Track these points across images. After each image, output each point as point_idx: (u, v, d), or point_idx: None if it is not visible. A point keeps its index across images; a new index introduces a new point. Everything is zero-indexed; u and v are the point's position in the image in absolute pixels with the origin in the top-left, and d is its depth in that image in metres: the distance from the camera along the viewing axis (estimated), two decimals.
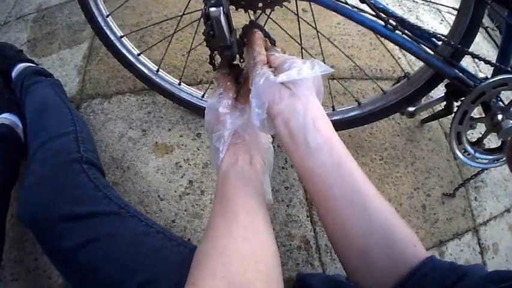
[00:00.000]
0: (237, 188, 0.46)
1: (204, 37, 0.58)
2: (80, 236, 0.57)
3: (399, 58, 1.17)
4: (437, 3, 0.89)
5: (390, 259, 0.39)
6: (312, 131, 0.41)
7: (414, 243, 0.40)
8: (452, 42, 0.67)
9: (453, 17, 1.32)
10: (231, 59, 0.60)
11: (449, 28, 0.69)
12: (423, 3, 1.36)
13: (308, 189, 0.44)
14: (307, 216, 0.90)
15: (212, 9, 0.51)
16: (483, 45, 1.41)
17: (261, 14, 0.70)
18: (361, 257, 0.40)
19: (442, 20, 1.35)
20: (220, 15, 0.51)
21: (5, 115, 1.01)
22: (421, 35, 0.71)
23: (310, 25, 0.83)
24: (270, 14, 0.72)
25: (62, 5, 1.29)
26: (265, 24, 0.80)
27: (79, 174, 0.67)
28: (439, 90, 0.87)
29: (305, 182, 0.44)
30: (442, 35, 0.69)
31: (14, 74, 1.05)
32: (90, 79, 1.08)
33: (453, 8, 0.96)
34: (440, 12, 1.36)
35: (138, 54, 0.93)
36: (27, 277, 0.86)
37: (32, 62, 1.10)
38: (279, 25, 0.84)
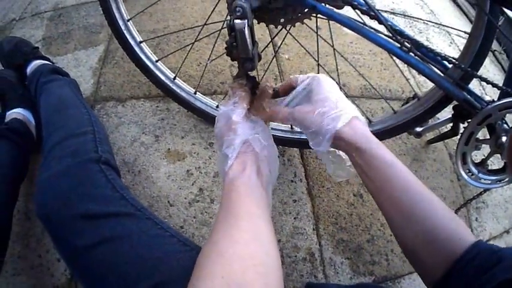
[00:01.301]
0: (242, 195, 0.47)
1: (226, 47, 0.59)
2: (95, 235, 0.57)
3: (408, 79, 1.20)
4: (448, 26, 0.91)
5: (438, 249, 0.45)
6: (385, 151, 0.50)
7: (460, 236, 0.44)
8: (462, 66, 0.69)
9: (462, 40, 1.36)
10: (251, 71, 0.61)
11: (460, 51, 0.71)
12: (433, 26, 1.39)
13: (377, 187, 0.50)
14: (314, 230, 0.92)
15: (237, 21, 0.53)
16: (490, 68, 1.44)
17: (281, 29, 0.72)
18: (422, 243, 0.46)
19: (451, 43, 1.38)
20: (244, 28, 0.53)
21: (18, 110, 1.01)
22: (434, 57, 0.73)
23: (328, 43, 0.85)
24: (289, 29, 0.74)
25: (79, 6, 1.31)
26: (283, 39, 0.83)
27: (97, 174, 0.67)
28: (445, 112, 0.89)
29: (378, 179, 0.50)
30: (453, 58, 0.71)
31: (29, 70, 1.06)
32: (105, 82, 1.09)
33: (464, 32, 0.99)
34: (450, 34, 1.39)
35: (156, 61, 0.94)
36: (30, 273, 0.86)
37: (48, 59, 1.11)
38: (297, 41, 0.86)
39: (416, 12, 1.43)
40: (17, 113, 1.01)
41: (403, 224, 0.49)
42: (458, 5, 1.53)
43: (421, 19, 1.36)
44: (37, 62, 1.07)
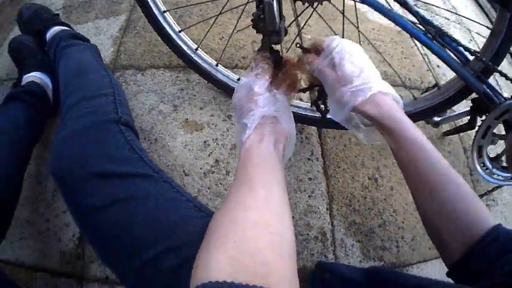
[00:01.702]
0: (257, 165, 0.47)
1: (252, 20, 0.59)
2: (111, 194, 0.56)
3: (427, 70, 1.19)
4: (470, 19, 0.91)
5: (459, 229, 0.46)
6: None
7: (480, 219, 0.45)
8: (484, 59, 0.69)
9: (482, 38, 1.35)
10: (276, 44, 0.61)
11: (479, 49, 0.71)
12: (454, 22, 1.39)
13: (406, 164, 0.50)
14: (327, 209, 0.91)
15: None
16: (507, 68, 1.44)
17: (307, 7, 0.72)
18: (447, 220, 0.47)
19: (471, 40, 1.37)
20: (273, 1, 0.52)
21: (36, 73, 1.01)
22: (456, 47, 0.73)
23: (353, 24, 0.85)
24: (315, 7, 0.74)
25: None
26: (309, 17, 0.82)
27: (116, 134, 0.66)
28: (462, 106, 0.89)
29: (404, 158, 0.50)
30: (475, 50, 0.71)
31: (48, 35, 1.05)
32: (125, 50, 1.09)
33: (486, 27, 0.99)
34: (470, 32, 1.39)
35: (179, 31, 0.93)
36: (37, 238, 0.86)
37: (68, 26, 1.10)
38: (323, 19, 0.85)
39: (438, 7, 1.42)
40: (34, 76, 1.01)
41: (428, 202, 0.49)
42: (479, 4, 1.53)
43: (449, 10, 1.36)
44: (57, 28, 1.06)
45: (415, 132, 0.49)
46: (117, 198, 0.56)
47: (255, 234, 0.37)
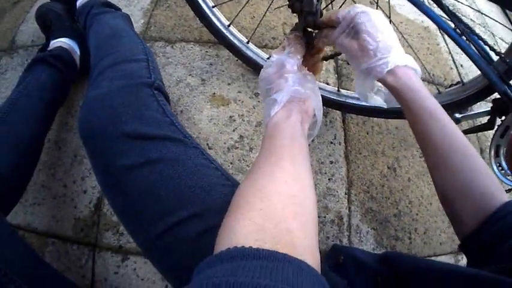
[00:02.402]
0: (285, 139, 0.47)
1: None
2: (141, 155, 0.56)
3: (451, 69, 1.20)
4: (497, 21, 0.92)
5: (472, 202, 0.46)
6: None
7: (493, 193, 0.45)
8: (507, 60, 0.70)
9: (505, 44, 1.36)
10: (312, 25, 0.61)
11: (507, 47, 0.72)
12: (480, 25, 1.40)
13: (420, 133, 0.51)
14: (345, 194, 0.92)
15: None
16: None
17: None
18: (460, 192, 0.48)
19: (494, 44, 1.38)
20: None
21: (64, 39, 1.02)
22: (482, 46, 0.74)
23: (385, 14, 0.85)
24: None
25: None
26: (343, 3, 0.83)
27: (149, 97, 0.66)
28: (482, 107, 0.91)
29: (419, 129, 0.51)
30: (500, 51, 0.72)
31: (79, 3, 1.05)
32: (156, 23, 1.10)
33: (510, 30, 1.00)
34: (494, 36, 1.39)
35: (213, 6, 0.94)
36: (52, 203, 0.86)
37: None
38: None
39: (464, 10, 1.43)
40: (62, 41, 1.01)
41: (442, 173, 0.50)
42: (505, 12, 1.53)
43: (478, 10, 1.36)
44: None
45: (431, 102, 0.50)
46: (147, 159, 0.55)
47: (281, 204, 0.37)
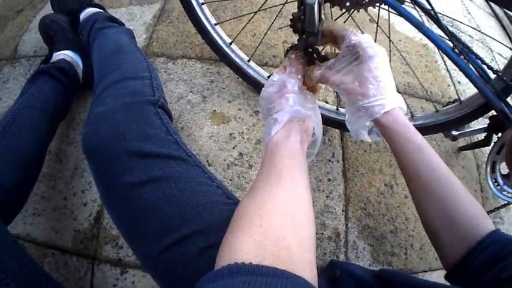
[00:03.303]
0: (284, 158, 0.48)
1: (291, 19, 0.60)
2: (144, 173, 0.57)
3: (449, 86, 1.22)
4: (494, 38, 0.93)
5: (457, 233, 0.48)
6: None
7: (478, 223, 0.47)
8: (505, 78, 0.72)
9: (502, 59, 1.37)
10: (313, 46, 0.63)
11: (502, 65, 0.74)
12: (478, 40, 1.41)
13: (407, 167, 0.52)
14: (343, 211, 0.93)
15: None
16: None
17: (343, 13, 0.74)
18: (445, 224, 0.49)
19: (492, 59, 1.40)
20: (315, 3, 0.54)
21: (67, 52, 1.02)
22: (480, 65, 0.76)
23: (385, 34, 0.87)
24: (351, 13, 0.76)
25: None
26: (345, 21, 0.84)
27: (153, 115, 0.67)
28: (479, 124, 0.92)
29: (406, 163, 0.52)
30: (497, 69, 0.74)
31: (82, 16, 1.06)
32: (158, 38, 1.11)
33: (510, 48, 1.01)
34: (492, 51, 1.41)
35: (215, 24, 0.96)
36: (51, 215, 0.87)
37: (103, 8, 1.12)
38: (358, 26, 0.87)
39: (463, 26, 1.45)
40: (64, 54, 1.02)
41: (427, 205, 0.51)
42: (503, 26, 1.55)
43: (475, 28, 1.38)
44: (92, 10, 1.08)
45: (418, 137, 0.52)
46: (150, 177, 0.56)
47: (280, 222, 0.38)
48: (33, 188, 0.79)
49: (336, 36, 0.59)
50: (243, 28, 0.95)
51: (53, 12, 1.12)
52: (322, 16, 0.62)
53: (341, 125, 0.97)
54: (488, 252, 0.44)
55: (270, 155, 0.49)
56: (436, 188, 0.50)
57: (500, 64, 1.39)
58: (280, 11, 0.89)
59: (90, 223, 0.86)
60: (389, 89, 0.54)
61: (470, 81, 0.75)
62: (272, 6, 0.96)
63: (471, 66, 0.74)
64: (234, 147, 0.94)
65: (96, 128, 0.64)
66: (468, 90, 1.23)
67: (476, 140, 1.08)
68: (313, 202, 0.92)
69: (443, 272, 0.94)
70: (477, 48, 1.39)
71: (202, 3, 0.93)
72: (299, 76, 0.57)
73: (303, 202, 0.44)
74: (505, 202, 0.99)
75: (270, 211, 0.40)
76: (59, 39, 1.06)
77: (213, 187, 0.60)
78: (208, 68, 1.06)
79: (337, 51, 0.61)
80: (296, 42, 0.63)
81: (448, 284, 0.51)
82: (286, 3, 0.85)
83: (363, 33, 0.58)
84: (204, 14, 0.94)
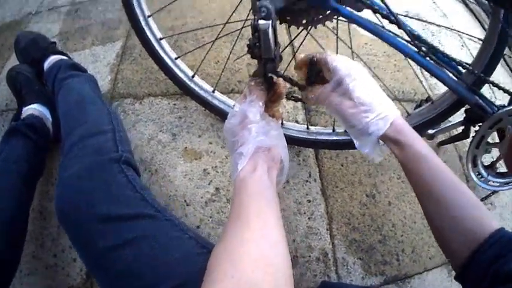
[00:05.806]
0: (252, 195, 0.48)
1: (247, 45, 0.59)
2: (116, 237, 0.58)
3: (421, 82, 1.21)
4: (462, 32, 0.92)
5: (463, 235, 0.49)
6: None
7: (484, 223, 0.48)
8: (475, 71, 0.71)
9: (473, 44, 1.36)
10: (272, 72, 0.62)
11: (471, 54, 0.72)
12: (446, 28, 1.40)
13: (415, 178, 0.54)
14: (327, 230, 0.93)
15: (261, 21, 0.52)
16: (500, 71, 1.44)
17: (302, 30, 0.73)
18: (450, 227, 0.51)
19: (462, 46, 1.38)
20: (268, 29, 0.53)
21: (35, 106, 1.01)
22: (448, 62, 0.75)
23: (347, 45, 0.86)
24: (309, 30, 0.75)
25: (96, 1, 1.32)
26: (303, 41, 0.84)
27: (118, 174, 0.67)
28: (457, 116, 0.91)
29: (413, 170, 0.53)
30: (467, 63, 0.73)
31: (46, 65, 1.06)
32: (123, 78, 1.11)
33: (478, 39, 1.00)
34: (461, 38, 1.40)
35: (176, 58, 0.95)
36: (45, 273, 0.87)
37: (65, 55, 1.11)
38: (317, 42, 0.86)
39: (430, 14, 1.43)
40: (33, 108, 1.01)
41: (434, 211, 0.52)
42: (470, 10, 1.54)
43: (436, 24, 1.37)
44: (55, 57, 1.07)
45: (423, 145, 0.53)
46: (123, 240, 0.57)
47: (251, 267, 0.39)
48: (22, 249, 0.79)
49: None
50: (205, 57, 0.94)
51: (17, 63, 1.11)
52: (279, 40, 0.61)
53: (314, 144, 0.97)
54: (491, 252, 0.45)
55: (238, 193, 0.49)
56: (442, 197, 0.51)
57: (472, 49, 1.37)
58: (238, 36, 0.88)
59: (83, 278, 0.86)
60: (382, 102, 0.55)
61: (440, 81, 0.73)
62: (230, 33, 0.95)
63: (439, 66, 0.73)
64: (209, 183, 0.94)
65: (63, 195, 0.66)
66: (441, 84, 1.22)
67: (455, 134, 1.07)
68: (296, 226, 0.92)
69: (438, 270, 0.96)
70: (445, 37, 1.38)
71: (161, 39, 0.92)
72: (260, 103, 0.57)
73: (274, 239, 0.44)
74: (491, 192, 0.99)
75: (240, 256, 0.40)
76: (26, 91, 1.06)
77: (185, 239, 0.60)
78: (175, 104, 1.05)
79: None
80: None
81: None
82: (243, 27, 0.83)
83: (323, 49, 0.58)
84: (164, 50, 0.94)
